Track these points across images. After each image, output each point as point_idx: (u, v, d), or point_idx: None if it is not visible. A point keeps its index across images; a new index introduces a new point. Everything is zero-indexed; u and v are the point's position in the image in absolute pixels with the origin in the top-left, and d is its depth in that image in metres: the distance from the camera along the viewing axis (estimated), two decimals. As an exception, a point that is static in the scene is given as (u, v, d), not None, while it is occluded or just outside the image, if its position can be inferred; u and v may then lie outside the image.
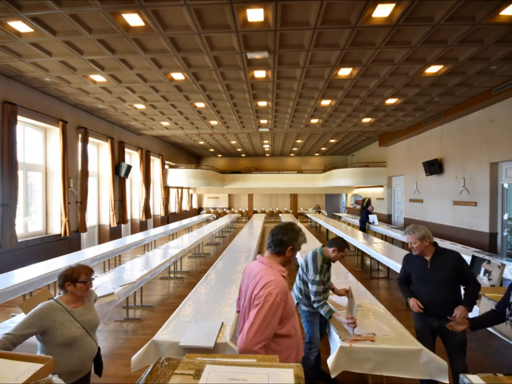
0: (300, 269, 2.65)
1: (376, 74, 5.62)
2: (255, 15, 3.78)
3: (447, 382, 1.93)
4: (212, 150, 17.15)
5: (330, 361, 1.98)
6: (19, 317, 2.43)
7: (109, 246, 6.09)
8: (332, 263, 2.59)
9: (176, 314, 2.59)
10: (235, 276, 3.83)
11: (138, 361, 2.05)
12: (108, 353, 3.22)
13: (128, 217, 10.71)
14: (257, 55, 4.73)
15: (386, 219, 12.45)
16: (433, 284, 2.26)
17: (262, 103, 7.49)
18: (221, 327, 2.27)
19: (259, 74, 5.64)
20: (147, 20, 3.85)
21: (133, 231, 11.12)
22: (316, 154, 18.95)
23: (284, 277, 1.54)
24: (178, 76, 5.72)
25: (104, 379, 2.76)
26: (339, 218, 15.33)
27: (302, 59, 4.97)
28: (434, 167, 8.58)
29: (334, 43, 4.48)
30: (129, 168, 9.84)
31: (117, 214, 9.53)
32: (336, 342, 2.11)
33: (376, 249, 5.66)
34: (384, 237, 8.98)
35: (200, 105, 7.64)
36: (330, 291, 2.69)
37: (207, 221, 14.82)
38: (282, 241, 1.57)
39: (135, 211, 11.48)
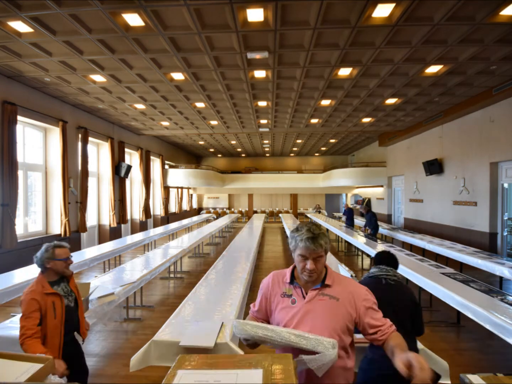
0: None
1: (376, 74, 5.62)
2: (255, 15, 3.78)
3: (448, 382, 1.92)
4: (212, 150, 17.14)
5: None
6: (19, 317, 2.42)
7: (109, 246, 6.09)
8: None
9: (176, 314, 2.59)
10: (235, 276, 3.82)
11: (137, 361, 2.04)
12: (108, 353, 3.22)
13: (128, 217, 10.70)
14: (257, 55, 4.73)
15: (386, 219, 12.45)
16: None
17: (262, 103, 7.49)
18: (221, 327, 2.27)
19: (259, 74, 5.64)
20: (147, 20, 3.85)
21: (133, 231, 11.11)
22: (316, 154, 18.95)
23: None
24: (178, 76, 5.72)
25: (104, 379, 2.76)
26: (339, 218, 15.33)
27: (302, 59, 4.97)
28: (434, 167, 8.58)
29: (334, 43, 4.48)
30: (129, 168, 9.84)
31: (117, 214, 9.53)
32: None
33: (376, 249, 5.66)
34: (384, 237, 8.97)
35: (200, 105, 7.63)
36: None
37: (207, 221, 14.80)
38: None
39: (135, 211, 11.48)
